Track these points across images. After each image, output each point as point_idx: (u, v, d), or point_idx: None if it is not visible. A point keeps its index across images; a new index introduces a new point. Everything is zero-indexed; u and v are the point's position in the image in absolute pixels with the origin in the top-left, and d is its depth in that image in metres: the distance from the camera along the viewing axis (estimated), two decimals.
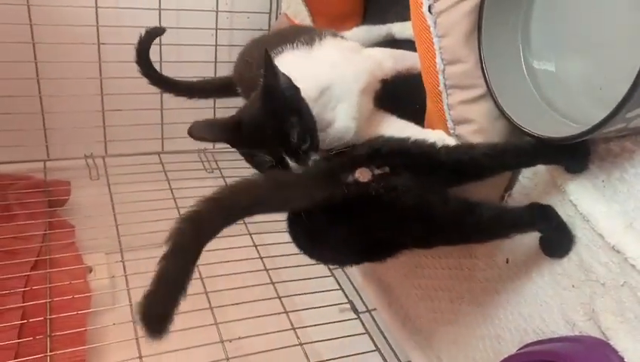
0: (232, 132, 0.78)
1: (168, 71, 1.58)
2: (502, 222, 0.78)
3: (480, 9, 0.78)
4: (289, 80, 0.76)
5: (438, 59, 0.82)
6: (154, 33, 1.13)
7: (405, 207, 0.72)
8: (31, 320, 1.09)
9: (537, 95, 0.77)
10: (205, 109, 1.69)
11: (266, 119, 0.75)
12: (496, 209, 0.81)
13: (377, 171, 0.72)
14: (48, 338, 1.06)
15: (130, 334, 1.10)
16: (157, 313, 0.58)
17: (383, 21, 1.14)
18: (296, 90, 0.77)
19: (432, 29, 0.83)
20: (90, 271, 1.30)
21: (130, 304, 1.17)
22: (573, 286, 0.79)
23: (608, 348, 0.72)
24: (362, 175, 0.72)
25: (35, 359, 1.03)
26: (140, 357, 1.06)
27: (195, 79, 1.60)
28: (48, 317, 1.10)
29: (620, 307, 0.72)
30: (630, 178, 0.70)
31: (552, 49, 0.76)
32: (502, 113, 0.75)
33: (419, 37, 0.86)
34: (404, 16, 1.08)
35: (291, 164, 0.75)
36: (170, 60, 1.58)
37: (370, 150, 0.74)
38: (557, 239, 0.79)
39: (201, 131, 0.80)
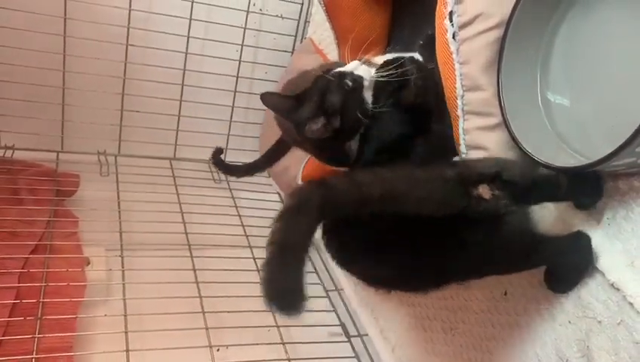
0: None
1: (190, 79, 1.63)
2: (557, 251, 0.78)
3: (502, 40, 0.80)
4: None
5: (458, 85, 0.84)
6: (218, 152, 1.41)
7: (510, 229, 0.72)
8: (24, 301, 1.09)
9: (550, 127, 0.78)
10: (221, 121, 1.73)
11: None
12: (548, 237, 0.80)
13: (496, 192, 0.70)
14: (38, 321, 1.06)
15: (120, 327, 1.10)
16: (283, 287, 0.56)
17: (407, 51, 1.17)
18: None
19: (454, 55, 0.85)
20: (88, 263, 1.30)
21: (123, 298, 1.17)
22: (569, 322, 0.79)
23: None
24: (484, 192, 0.70)
25: (23, 339, 1.02)
26: (127, 351, 1.05)
27: (214, 90, 1.65)
28: (41, 300, 1.10)
29: (615, 346, 0.72)
30: (636, 217, 0.71)
31: (569, 85, 0.78)
32: (514, 140, 0.77)
33: (442, 62, 0.89)
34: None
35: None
36: (192, 69, 1.62)
37: (495, 172, 0.71)
38: (567, 273, 0.78)
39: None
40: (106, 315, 1.14)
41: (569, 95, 0.79)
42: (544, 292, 0.83)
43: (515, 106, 0.80)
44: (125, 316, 1.12)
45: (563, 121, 0.78)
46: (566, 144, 0.77)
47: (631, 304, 0.69)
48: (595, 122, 0.75)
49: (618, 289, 0.71)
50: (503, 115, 0.79)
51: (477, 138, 0.84)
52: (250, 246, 1.46)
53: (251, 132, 1.78)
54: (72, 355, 1.04)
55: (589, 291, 0.76)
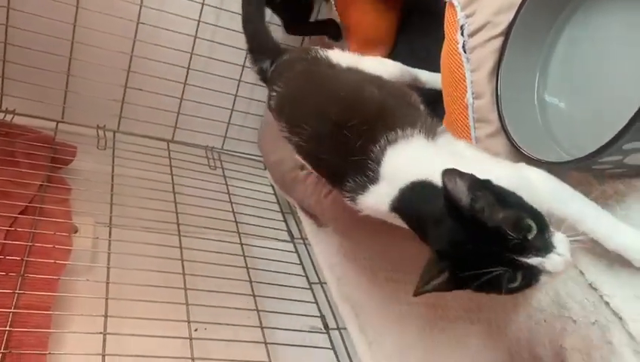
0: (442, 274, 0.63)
1: (196, 64, 1.65)
2: None
3: (504, 42, 0.82)
4: (468, 182, 0.62)
5: (468, 94, 0.86)
6: None
7: None
8: (8, 257, 1.09)
9: (543, 126, 0.80)
10: (223, 109, 1.74)
11: (469, 237, 0.61)
12: None
13: None
14: (20, 278, 1.06)
15: (102, 293, 1.10)
16: None
17: (411, 51, 1.20)
18: (479, 183, 0.63)
19: (465, 64, 0.87)
20: (76, 230, 1.30)
21: (107, 266, 1.17)
22: (544, 320, 0.80)
23: None
24: None
25: (4, 293, 1.02)
26: (106, 316, 1.05)
27: (218, 77, 1.66)
28: (25, 258, 1.10)
29: (588, 345, 0.73)
30: (620, 220, 0.72)
31: (566, 88, 0.80)
32: (505, 133, 0.79)
33: (448, 71, 0.90)
34: (432, 50, 1.13)
35: (536, 261, 0.60)
36: (199, 54, 1.64)
37: None
38: None
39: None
40: (88, 280, 1.14)
41: (565, 97, 0.81)
42: (523, 293, 0.84)
43: (511, 104, 0.82)
44: (107, 283, 1.13)
45: (557, 121, 0.80)
46: (556, 143, 0.79)
47: (607, 303, 0.71)
48: (587, 124, 0.77)
49: (596, 289, 0.72)
50: (498, 110, 0.81)
51: (489, 145, 0.85)
52: (238, 233, 1.46)
53: (252, 123, 1.79)
54: (50, 314, 1.04)
55: (567, 291, 0.77)
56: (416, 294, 0.64)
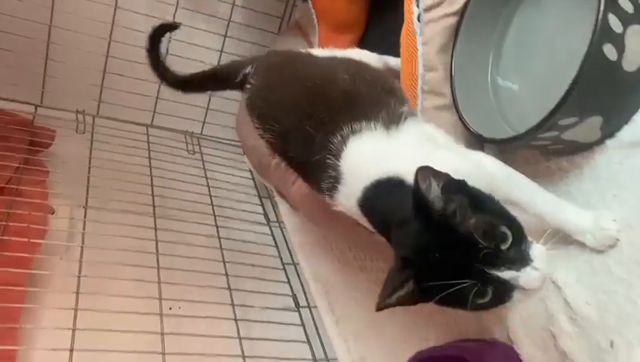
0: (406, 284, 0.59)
1: (175, 49, 1.66)
2: None
3: (458, 25, 0.85)
4: (443, 182, 0.58)
5: (420, 64, 0.89)
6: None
7: None
8: None
9: (495, 107, 0.83)
10: (202, 94, 1.75)
11: (438, 244, 0.56)
12: None
13: None
14: None
15: (74, 271, 1.12)
16: None
17: (382, 33, 1.22)
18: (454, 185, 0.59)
19: (417, 36, 0.89)
20: (53, 212, 1.33)
21: (82, 245, 1.19)
22: None
23: (511, 350, 0.76)
24: None
25: None
26: (77, 293, 1.08)
27: (197, 62, 1.68)
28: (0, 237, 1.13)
29: (530, 313, 0.76)
30: (561, 196, 0.75)
31: (517, 71, 0.83)
32: (457, 112, 0.81)
33: (405, 43, 0.93)
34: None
35: (509, 275, 0.55)
36: (178, 39, 1.65)
37: None
38: None
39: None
40: (61, 259, 1.16)
41: (517, 80, 0.84)
42: None
43: (465, 86, 0.85)
44: (81, 261, 1.15)
45: (508, 103, 0.83)
46: (508, 124, 0.82)
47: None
48: (536, 105, 0.79)
49: None
50: (452, 91, 0.84)
51: (433, 116, 0.88)
52: (214, 215, 1.49)
53: (231, 108, 1.81)
54: (24, 290, 1.06)
55: None
56: (378, 309, 0.59)
